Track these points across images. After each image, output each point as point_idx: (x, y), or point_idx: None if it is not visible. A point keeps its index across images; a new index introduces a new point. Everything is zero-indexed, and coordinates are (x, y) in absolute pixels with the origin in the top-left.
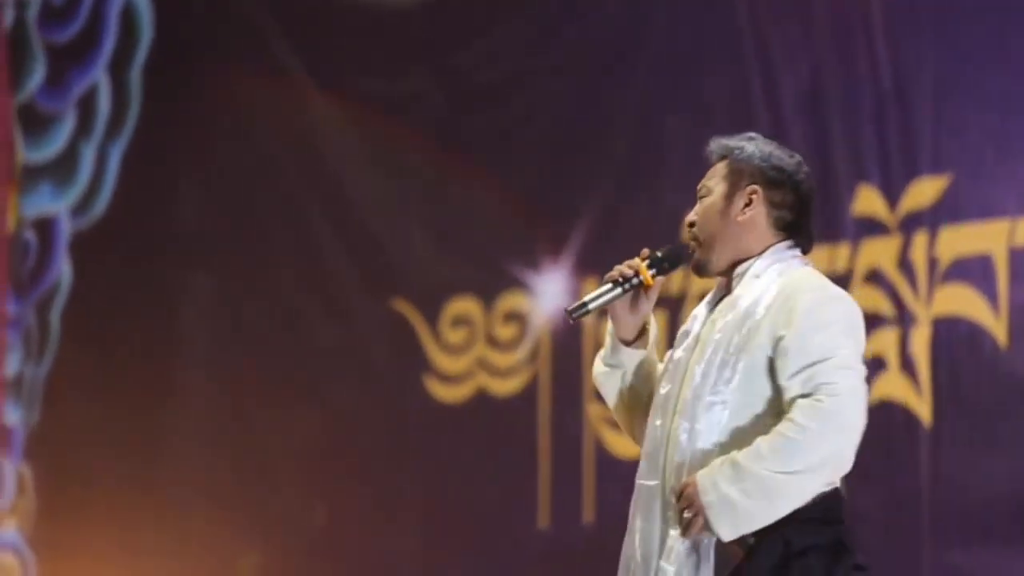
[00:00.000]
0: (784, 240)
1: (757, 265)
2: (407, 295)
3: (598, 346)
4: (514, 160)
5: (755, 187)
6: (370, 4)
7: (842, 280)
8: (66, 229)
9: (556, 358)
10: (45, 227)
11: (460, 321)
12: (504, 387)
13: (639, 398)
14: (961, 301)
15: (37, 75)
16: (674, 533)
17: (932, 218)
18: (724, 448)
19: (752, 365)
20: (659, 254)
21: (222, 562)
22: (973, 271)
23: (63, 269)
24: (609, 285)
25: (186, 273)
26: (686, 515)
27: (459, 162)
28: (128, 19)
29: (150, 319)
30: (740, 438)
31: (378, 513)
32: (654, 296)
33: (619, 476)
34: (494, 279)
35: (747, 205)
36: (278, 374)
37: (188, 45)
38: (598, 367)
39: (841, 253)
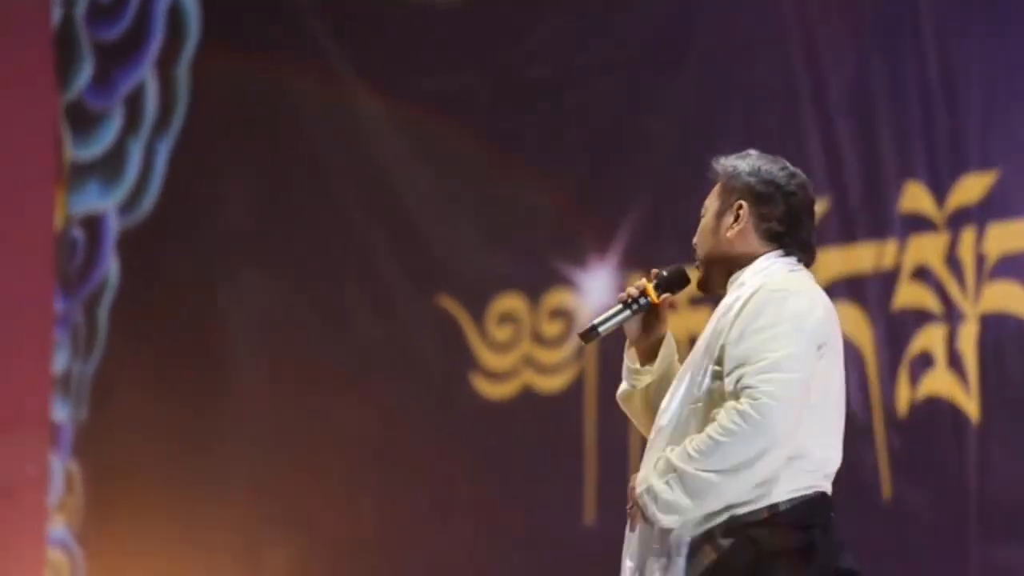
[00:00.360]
0: (775, 250)
1: (744, 275)
2: (454, 292)
3: None
4: (561, 157)
5: (742, 202)
6: (419, 1)
7: (889, 277)
8: (114, 227)
9: (602, 355)
10: (93, 225)
11: (506, 318)
12: (550, 384)
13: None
14: (1009, 297)
15: (85, 73)
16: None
17: (980, 214)
18: None
19: (712, 377)
20: (664, 273)
21: (272, 556)
22: (1021, 267)
23: (111, 266)
24: (619, 307)
25: (233, 270)
26: (630, 510)
27: (506, 159)
28: (175, 17)
29: (197, 316)
30: None
31: (425, 508)
32: (665, 315)
33: None
34: (541, 276)
35: (735, 220)
36: (325, 370)
37: (235, 43)
38: (620, 388)
39: (888, 250)
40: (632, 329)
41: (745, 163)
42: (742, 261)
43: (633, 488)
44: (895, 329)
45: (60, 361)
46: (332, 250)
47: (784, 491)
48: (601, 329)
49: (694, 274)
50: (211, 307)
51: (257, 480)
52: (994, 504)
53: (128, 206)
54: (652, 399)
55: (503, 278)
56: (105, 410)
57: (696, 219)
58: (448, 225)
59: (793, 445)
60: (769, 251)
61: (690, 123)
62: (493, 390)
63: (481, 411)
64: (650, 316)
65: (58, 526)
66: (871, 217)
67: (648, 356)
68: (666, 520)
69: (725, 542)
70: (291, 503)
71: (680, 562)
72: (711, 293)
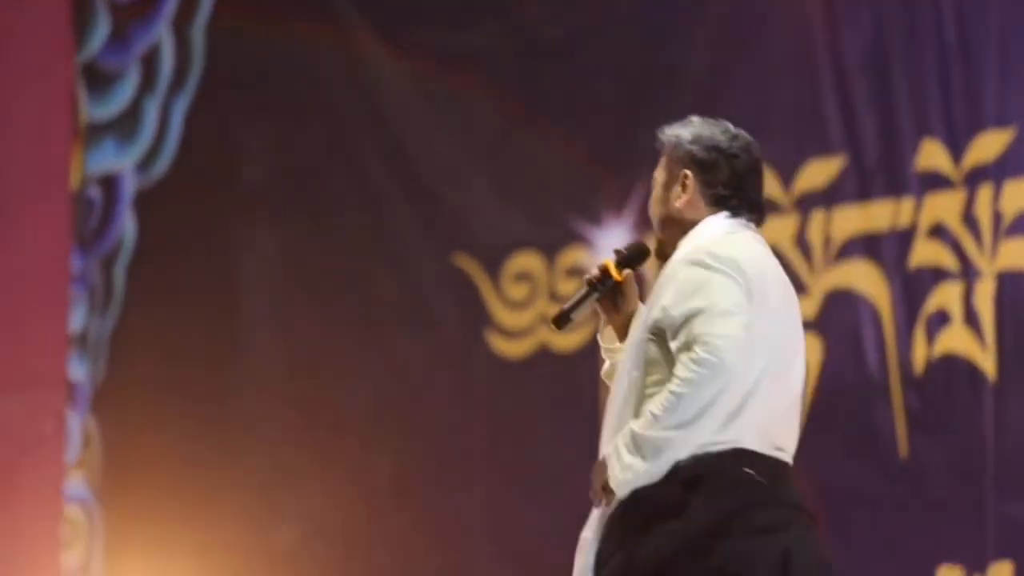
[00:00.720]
0: (719, 213)
1: (686, 240)
2: (470, 250)
3: None
4: (578, 115)
5: (686, 171)
6: None
7: (906, 235)
8: (130, 185)
9: None
10: (109, 184)
11: (523, 276)
12: (566, 342)
13: None
14: None
15: (100, 32)
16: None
17: (997, 172)
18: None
19: (647, 340)
20: (624, 251)
21: (288, 514)
22: None
23: (127, 225)
24: (586, 289)
25: (250, 228)
26: (596, 485)
27: (523, 117)
28: None
29: (214, 274)
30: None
31: (441, 466)
32: (631, 291)
33: None
34: (557, 234)
35: (683, 189)
36: (342, 328)
37: (251, 1)
38: (604, 367)
39: (905, 208)
40: (604, 308)
41: (687, 131)
42: (692, 228)
43: (598, 466)
44: (911, 287)
45: (77, 319)
46: (348, 209)
47: (685, 447)
48: (573, 315)
49: (654, 244)
50: (227, 265)
51: (273, 437)
52: (1010, 461)
53: (144, 165)
54: None
55: (519, 236)
56: (122, 368)
57: None
58: (464, 183)
59: (750, 383)
60: (712, 215)
61: (706, 82)
62: (509, 348)
63: (497, 369)
64: (617, 294)
65: (76, 483)
66: (887, 175)
67: (624, 332)
68: (622, 477)
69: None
70: (308, 461)
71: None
72: (666, 260)
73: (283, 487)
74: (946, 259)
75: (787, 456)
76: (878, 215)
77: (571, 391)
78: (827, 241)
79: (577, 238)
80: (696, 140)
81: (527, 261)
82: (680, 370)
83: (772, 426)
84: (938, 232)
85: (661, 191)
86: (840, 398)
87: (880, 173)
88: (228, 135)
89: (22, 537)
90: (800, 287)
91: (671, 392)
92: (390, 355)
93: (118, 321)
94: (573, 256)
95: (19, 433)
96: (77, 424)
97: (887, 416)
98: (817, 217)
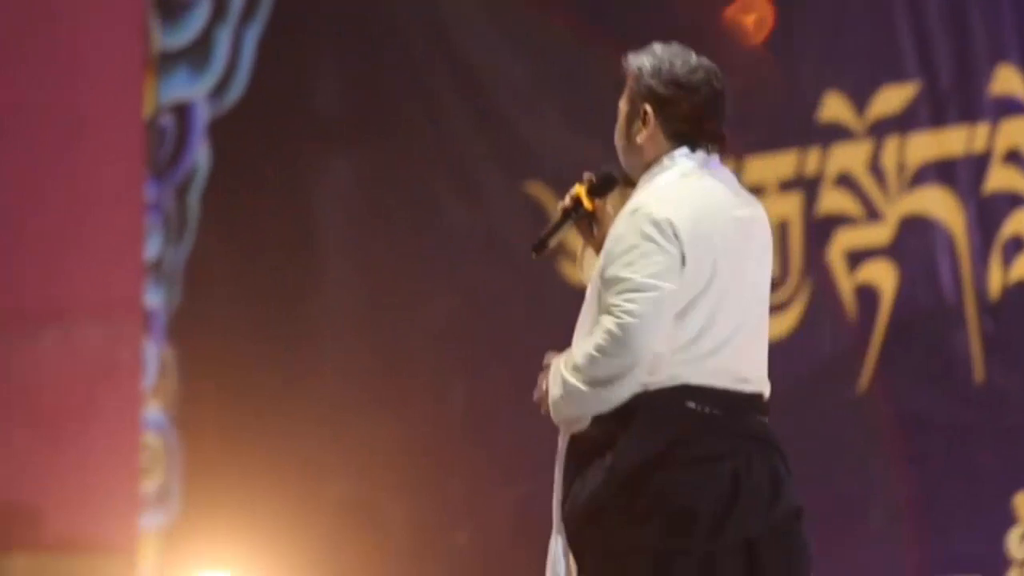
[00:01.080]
0: (679, 147)
1: (644, 178)
2: (542, 178)
3: None
4: (651, 39)
5: (646, 106)
6: None
7: (980, 161)
8: (203, 114)
9: None
10: (182, 112)
11: None
12: None
13: None
14: None
15: None
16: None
17: None
18: None
19: (599, 281)
20: (594, 179)
21: (363, 443)
22: None
23: (201, 154)
24: (559, 217)
25: (323, 156)
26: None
27: (595, 43)
28: None
29: (288, 202)
30: None
31: (514, 394)
32: (605, 217)
33: None
34: None
35: (643, 124)
36: (414, 258)
37: None
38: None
39: (980, 133)
40: (581, 234)
41: (648, 63)
42: (651, 162)
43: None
44: (986, 213)
45: (152, 248)
46: (421, 137)
47: (629, 389)
48: (550, 242)
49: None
50: (301, 193)
51: (347, 365)
52: None
53: (217, 93)
54: None
55: (591, 163)
56: (197, 296)
57: (781, 103)
58: (536, 111)
59: (688, 337)
60: (672, 149)
61: (781, 8)
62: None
63: (570, 298)
64: (591, 220)
65: (153, 410)
66: (962, 100)
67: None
68: (551, 401)
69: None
70: (381, 388)
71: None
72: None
73: (356, 414)
74: (1022, 185)
75: (756, 388)
76: (952, 141)
77: None
78: (901, 167)
79: None
80: (655, 74)
81: None
82: (597, 334)
83: (731, 361)
84: (1013, 158)
85: (624, 124)
86: (915, 324)
87: (954, 99)
88: (300, 63)
89: (101, 465)
90: (874, 213)
91: (587, 351)
92: (463, 283)
93: (193, 249)
94: None
95: (96, 362)
96: (153, 352)
97: (963, 342)
98: (891, 143)
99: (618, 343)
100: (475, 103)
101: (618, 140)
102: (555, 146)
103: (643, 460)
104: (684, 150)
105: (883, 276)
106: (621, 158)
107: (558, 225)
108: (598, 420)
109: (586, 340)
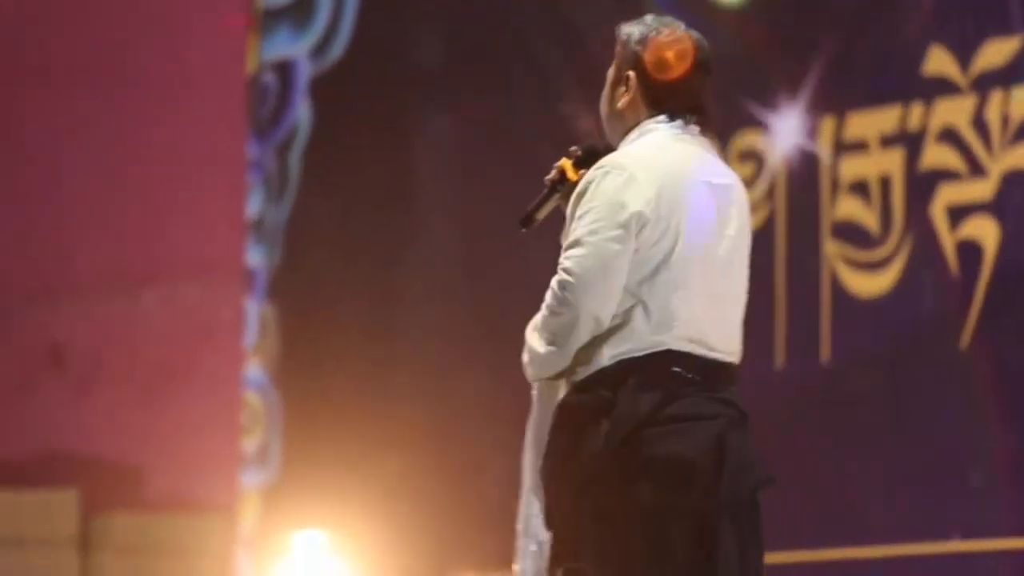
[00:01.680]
0: (656, 115)
1: (622, 144)
2: None
3: (835, 183)
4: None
5: (631, 72)
6: None
7: None
8: (305, 72)
9: (792, 196)
10: (284, 70)
11: None
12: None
13: None
14: None
15: None
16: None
17: None
18: None
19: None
20: (579, 152)
21: (460, 403)
22: None
23: (302, 112)
24: (545, 190)
25: (424, 114)
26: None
27: (697, 2)
28: None
29: (389, 161)
30: None
31: None
32: None
33: (857, 314)
34: (729, 117)
35: (626, 90)
36: (516, 213)
37: None
38: None
39: None
40: (564, 207)
41: (637, 31)
42: (632, 127)
43: None
44: None
45: (254, 206)
46: (522, 96)
47: (609, 355)
48: (537, 215)
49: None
50: (402, 152)
51: (446, 324)
52: None
53: (319, 51)
54: None
55: None
56: (298, 254)
57: (886, 56)
58: None
59: (607, 314)
60: (648, 117)
61: None
62: None
63: None
64: (573, 192)
65: (254, 369)
66: None
67: None
68: (524, 357)
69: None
70: (480, 348)
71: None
72: None
73: (454, 373)
74: None
75: (727, 357)
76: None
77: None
78: (1005, 122)
79: (750, 120)
80: (642, 41)
81: None
82: (548, 294)
83: (701, 329)
84: None
85: (609, 89)
86: (1018, 280)
87: None
88: (402, 20)
89: (202, 424)
90: (978, 168)
91: (542, 309)
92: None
93: (294, 208)
94: (747, 140)
95: (198, 320)
96: (254, 311)
97: None
98: (995, 97)
99: (558, 300)
100: (577, 59)
101: (602, 106)
102: None
103: (638, 423)
104: (662, 117)
105: (986, 232)
106: (604, 124)
107: (545, 198)
108: (590, 386)
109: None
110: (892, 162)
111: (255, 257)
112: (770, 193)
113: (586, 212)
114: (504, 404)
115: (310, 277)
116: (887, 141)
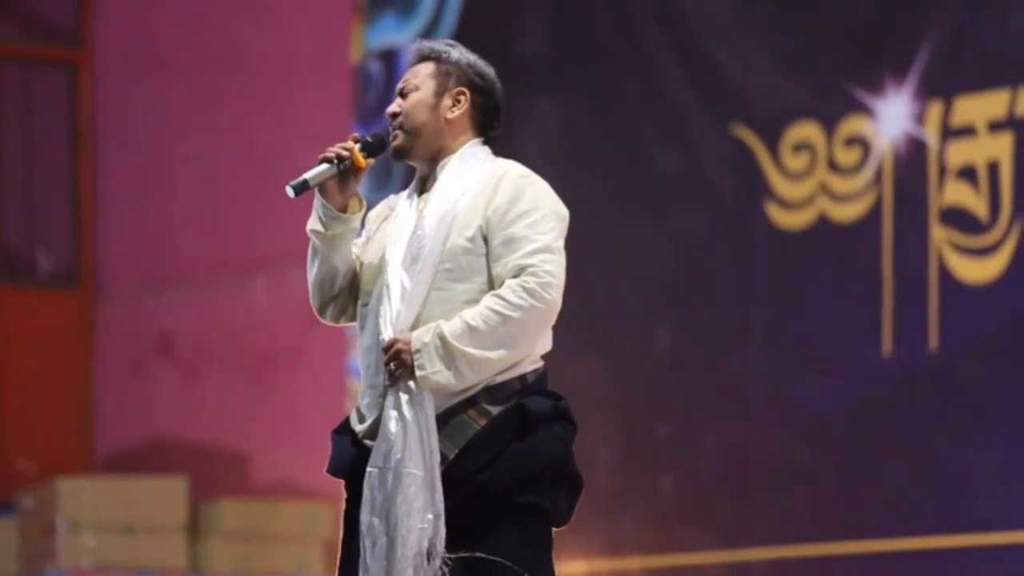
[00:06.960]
0: (479, 138)
1: (464, 154)
2: (748, 121)
3: (943, 168)
4: None
5: (463, 90)
6: None
7: None
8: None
9: (899, 182)
10: (389, 58)
11: (801, 146)
12: (846, 212)
13: (347, 264)
14: None
15: None
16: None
17: None
18: None
19: (465, 250)
20: (369, 139)
21: (569, 386)
22: None
23: None
24: (325, 165)
25: (529, 101)
26: (394, 369)
27: None
28: None
29: (496, 148)
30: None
31: (719, 337)
32: (362, 177)
33: (964, 300)
34: (836, 103)
35: (455, 104)
36: (620, 200)
37: None
38: (316, 226)
39: None
40: (329, 186)
41: (459, 53)
42: (452, 144)
43: (399, 345)
44: None
45: None
46: (627, 79)
47: (529, 363)
48: (311, 183)
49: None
50: (508, 138)
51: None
52: None
53: (424, 38)
54: (343, 249)
55: (798, 106)
56: None
57: (995, 42)
58: (743, 53)
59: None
60: (474, 139)
61: None
62: (788, 219)
63: (776, 240)
64: (350, 176)
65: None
66: None
67: (341, 209)
68: (434, 380)
69: (493, 409)
70: (588, 331)
71: (431, 423)
72: (405, 160)
73: (563, 357)
74: None
75: None
76: None
77: (850, 262)
78: None
79: (857, 107)
80: (472, 65)
81: (806, 131)
82: (510, 294)
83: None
84: None
85: (432, 98)
86: None
87: None
88: (507, 6)
89: (308, 411)
90: None
91: (497, 312)
92: (669, 227)
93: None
94: (854, 125)
95: (304, 309)
96: None
97: None
98: None
99: (542, 301)
100: (681, 45)
101: (419, 111)
102: (761, 88)
103: (575, 429)
104: (482, 140)
105: None
106: (415, 125)
107: (324, 169)
108: (544, 391)
109: (495, 303)
110: (1000, 147)
111: None
112: (877, 179)
113: (541, 218)
114: (612, 386)
115: None
116: (995, 126)
